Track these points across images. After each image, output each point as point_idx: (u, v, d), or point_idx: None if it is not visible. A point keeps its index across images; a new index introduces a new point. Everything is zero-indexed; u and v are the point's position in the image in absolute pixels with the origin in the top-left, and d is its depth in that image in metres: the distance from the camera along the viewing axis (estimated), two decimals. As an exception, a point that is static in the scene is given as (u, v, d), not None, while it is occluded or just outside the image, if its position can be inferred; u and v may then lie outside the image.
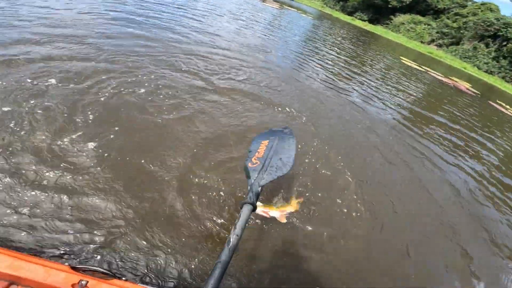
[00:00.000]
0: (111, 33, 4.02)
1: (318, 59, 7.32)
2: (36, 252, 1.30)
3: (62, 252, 1.32)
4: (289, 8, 21.46)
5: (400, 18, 33.95)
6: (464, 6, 31.74)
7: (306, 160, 2.65)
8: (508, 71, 23.66)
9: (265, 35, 8.02)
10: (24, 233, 1.35)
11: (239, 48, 5.63)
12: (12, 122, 1.96)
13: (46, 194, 1.55)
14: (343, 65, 7.75)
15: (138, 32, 4.43)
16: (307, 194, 2.22)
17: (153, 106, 2.62)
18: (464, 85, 12.48)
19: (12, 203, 1.46)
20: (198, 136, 2.45)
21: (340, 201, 2.30)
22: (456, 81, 12.58)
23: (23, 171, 1.64)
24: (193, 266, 1.46)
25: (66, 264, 0.99)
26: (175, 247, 1.51)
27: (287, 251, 1.75)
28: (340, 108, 4.38)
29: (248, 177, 1.60)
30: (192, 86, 3.27)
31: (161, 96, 2.83)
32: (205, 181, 1.99)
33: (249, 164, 1.70)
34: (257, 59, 5.29)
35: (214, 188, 1.96)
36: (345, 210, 2.23)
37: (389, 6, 34.02)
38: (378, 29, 30.83)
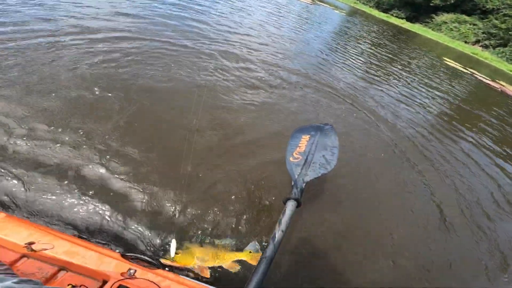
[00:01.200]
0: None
1: (353, 56, 6.97)
2: (90, 237, 1.30)
3: (112, 238, 1.33)
4: (321, 3, 20.85)
5: (442, 17, 31.75)
6: (516, 7, 28.83)
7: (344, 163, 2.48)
8: None
9: (298, 29, 7.80)
10: (81, 218, 1.37)
11: (267, 39, 5.50)
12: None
13: (106, 182, 1.57)
14: (379, 63, 7.32)
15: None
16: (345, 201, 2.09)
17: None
18: (513, 90, 11.32)
19: (68, 187, 1.49)
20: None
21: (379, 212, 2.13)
22: (503, 85, 11.43)
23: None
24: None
25: (117, 251, 0.97)
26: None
27: (327, 251, 1.65)
28: (376, 109, 4.08)
29: (291, 171, 1.58)
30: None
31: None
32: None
33: (291, 159, 1.67)
34: (287, 51, 5.14)
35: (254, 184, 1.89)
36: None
37: (431, 4, 31.85)
38: (416, 28, 29.09)
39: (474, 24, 29.91)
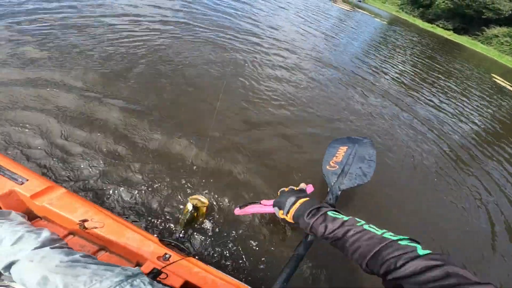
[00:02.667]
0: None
1: (395, 65, 6.67)
2: (135, 219, 1.37)
3: (153, 223, 1.39)
4: (360, 10, 20.27)
5: (494, 30, 29.27)
6: None
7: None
8: None
9: (334, 37, 7.64)
10: (124, 199, 1.45)
11: (301, 49, 5.42)
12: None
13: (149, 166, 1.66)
14: (423, 73, 6.91)
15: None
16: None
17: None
18: None
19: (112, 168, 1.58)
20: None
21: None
22: None
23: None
24: (265, 259, 1.42)
25: (155, 236, 1.00)
26: (250, 239, 1.49)
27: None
28: (414, 125, 3.81)
29: (327, 179, 1.65)
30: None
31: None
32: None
33: (327, 167, 1.76)
34: (320, 61, 5.03)
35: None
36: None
37: (483, 16, 29.51)
38: (464, 40, 27.20)
39: (529, 40, 27.17)
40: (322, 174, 1.71)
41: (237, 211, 1.36)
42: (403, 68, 6.64)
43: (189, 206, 1.34)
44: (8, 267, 0.68)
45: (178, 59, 2.99)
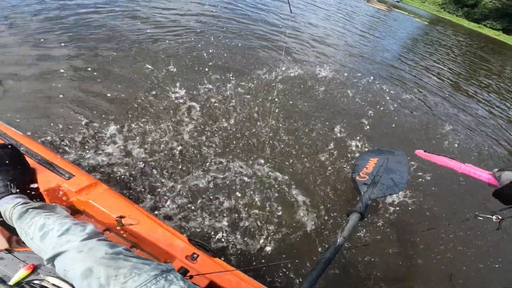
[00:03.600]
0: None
1: (439, 67, 6.24)
2: (162, 218, 1.43)
3: (183, 223, 1.44)
4: (398, 10, 19.25)
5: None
6: None
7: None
8: None
9: (371, 35, 7.33)
10: (161, 199, 1.52)
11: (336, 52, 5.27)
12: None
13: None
14: (471, 76, 6.41)
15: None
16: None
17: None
18: None
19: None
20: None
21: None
22: None
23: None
24: (290, 264, 1.44)
25: (184, 235, 1.02)
26: (277, 243, 1.51)
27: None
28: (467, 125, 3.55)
29: (357, 189, 1.68)
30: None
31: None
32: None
33: (357, 178, 1.79)
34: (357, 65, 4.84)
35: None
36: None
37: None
38: (514, 41, 24.67)
39: None
40: (351, 183, 1.76)
41: (420, 152, 1.35)
42: (454, 69, 6.15)
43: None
44: (53, 258, 0.70)
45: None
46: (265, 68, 3.21)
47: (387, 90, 3.82)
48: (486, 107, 4.69)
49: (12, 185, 0.87)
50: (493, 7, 29.97)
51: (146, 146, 1.80)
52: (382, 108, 3.31)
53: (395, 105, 3.48)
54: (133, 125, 1.91)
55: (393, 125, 2.99)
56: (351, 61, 4.58)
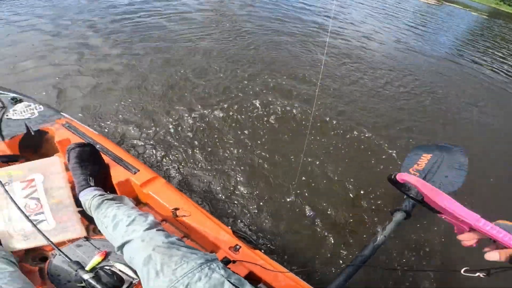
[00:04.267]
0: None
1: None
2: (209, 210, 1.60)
3: (228, 213, 1.61)
4: (450, 4, 17.54)
5: None
6: None
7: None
8: None
9: (423, 38, 6.85)
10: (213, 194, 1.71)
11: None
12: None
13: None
14: None
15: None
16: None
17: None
18: None
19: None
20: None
21: None
22: None
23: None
24: (326, 258, 1.51)
25: (229, 227, 1.13)
26: (314, 239, 1.59)
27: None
28: None
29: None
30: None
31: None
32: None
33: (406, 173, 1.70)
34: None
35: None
36: None
37: None
38: None
39: None
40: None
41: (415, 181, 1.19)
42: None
43: None
44: (122, 246, 0.80)
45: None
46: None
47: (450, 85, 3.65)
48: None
49: (90, 178, 1.00)
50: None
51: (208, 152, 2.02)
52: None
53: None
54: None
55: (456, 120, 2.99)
56: (404, 57, 4.53)
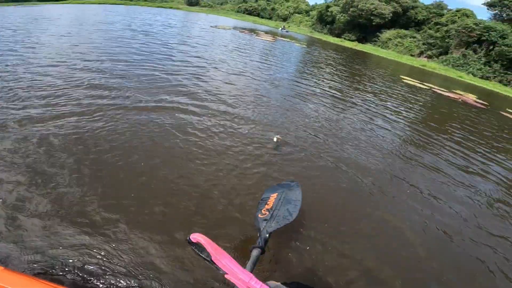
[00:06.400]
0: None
1: (317, 85, 7.27)
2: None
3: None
4: (282, 38, 22.24)
5: (386, 34, 35.06)
6: (441, 15, 32.59)
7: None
8: (503, 74, 23.69)
9: (262, 66, 8.01)
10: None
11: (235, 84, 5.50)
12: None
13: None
14: (342, 88, 7.69)
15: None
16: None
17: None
18: (470, 98, 12.44)
19: None
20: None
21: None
22: (462, 95, 12.53)
23: None
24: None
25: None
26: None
27: None
28: (345, 134, 4.17)
29: (258, 225, 1.79)
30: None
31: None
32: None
33: (259, 215, 1.90)
34: (254, 89, 5.14)
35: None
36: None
37: (373, 23, 35.36)
38: (367, 47, 31.85)
39: (413, 37, 33.10)
40: (254, 223, 1.88)
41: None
42: (330, 81, 7.21)
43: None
44: None
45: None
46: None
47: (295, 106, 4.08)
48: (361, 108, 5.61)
49: None
50: (345, 20, 37.95)
51: None
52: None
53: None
54: None
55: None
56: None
